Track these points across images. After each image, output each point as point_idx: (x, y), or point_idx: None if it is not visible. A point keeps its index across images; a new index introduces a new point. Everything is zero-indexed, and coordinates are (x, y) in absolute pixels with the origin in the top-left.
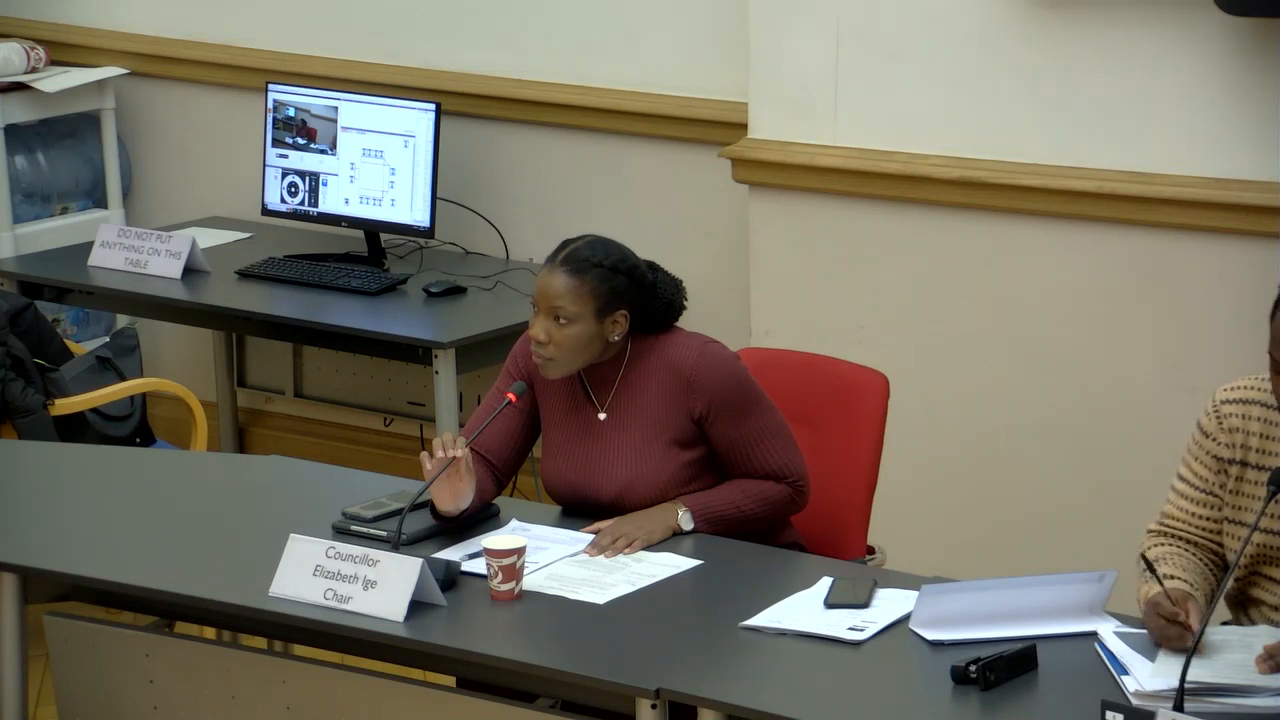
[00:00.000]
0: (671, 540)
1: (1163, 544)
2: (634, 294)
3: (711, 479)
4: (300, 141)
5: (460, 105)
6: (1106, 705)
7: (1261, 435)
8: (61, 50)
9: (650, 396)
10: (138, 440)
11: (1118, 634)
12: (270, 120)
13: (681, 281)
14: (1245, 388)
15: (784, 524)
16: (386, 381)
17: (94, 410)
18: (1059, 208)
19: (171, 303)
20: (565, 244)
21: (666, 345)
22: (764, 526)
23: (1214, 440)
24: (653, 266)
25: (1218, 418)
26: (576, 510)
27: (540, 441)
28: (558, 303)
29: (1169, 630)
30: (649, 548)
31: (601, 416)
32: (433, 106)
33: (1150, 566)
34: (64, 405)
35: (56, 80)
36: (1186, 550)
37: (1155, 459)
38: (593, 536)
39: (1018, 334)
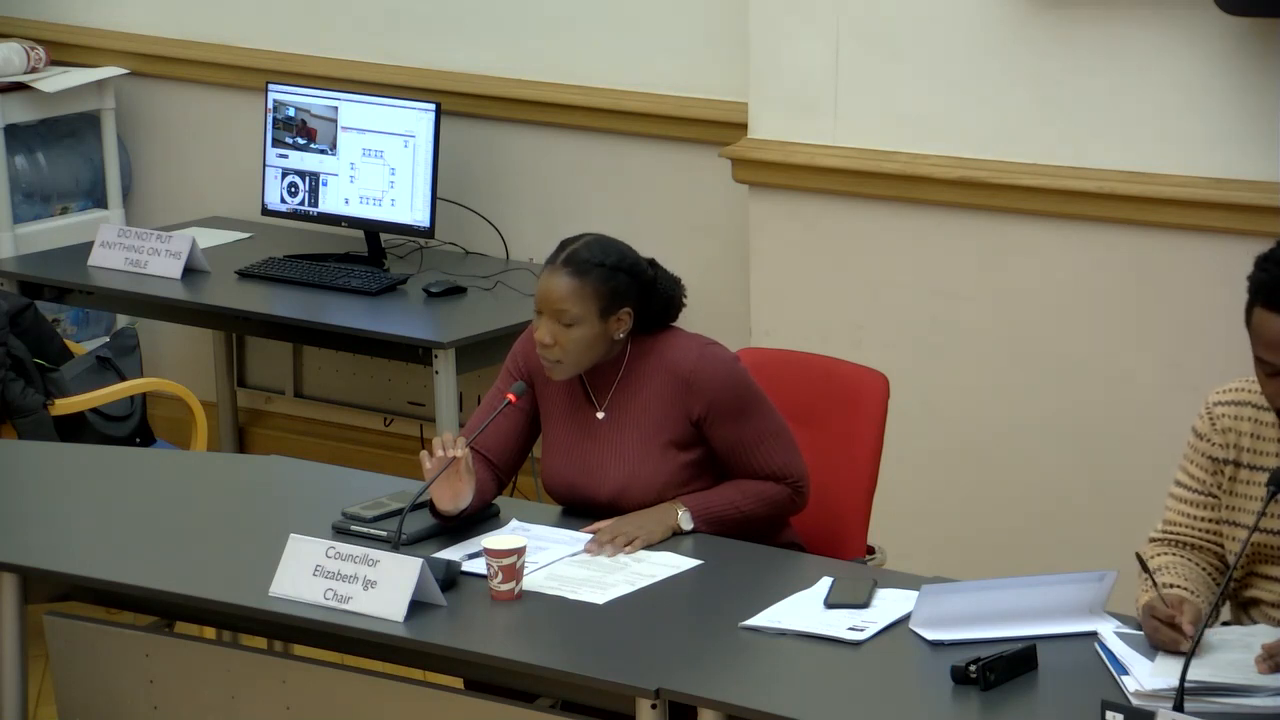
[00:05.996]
0: (671, 540)
1: (1164, 552)
2: (636, 292)
3: (710, 480)
4: (300, 141)
5: (460, 105)
6: (1106, 705)
7: (1253, 435)
8: (61, 50)
9: (649, 397)
10: (138, 440)
11: (1118, 634)
12: (270, 120)
13: (680, 279)
14: (1236, 389)
15: (783, 524)
16: (386, 381)
17: (94, 410)
18: (1059, 208)
19: (171, 303)
20: (565, 244)
21: (666, 346)
22: (764, 527)
23: (1208, 441)
24: (652, 263)
25: (1211, 419)
26: (576, 510)
27: (540, 441)
28: (561, 305)
29: (1163, 633)
30: (649, 547)
31: (600, 416)
32: (433, 106)
33: (1144, 565)
34: (64, 405)
35: (56, 80)
36: (1188, 558)
37: (1155, 459)
38: (591, 536)
39: (1018, 334)
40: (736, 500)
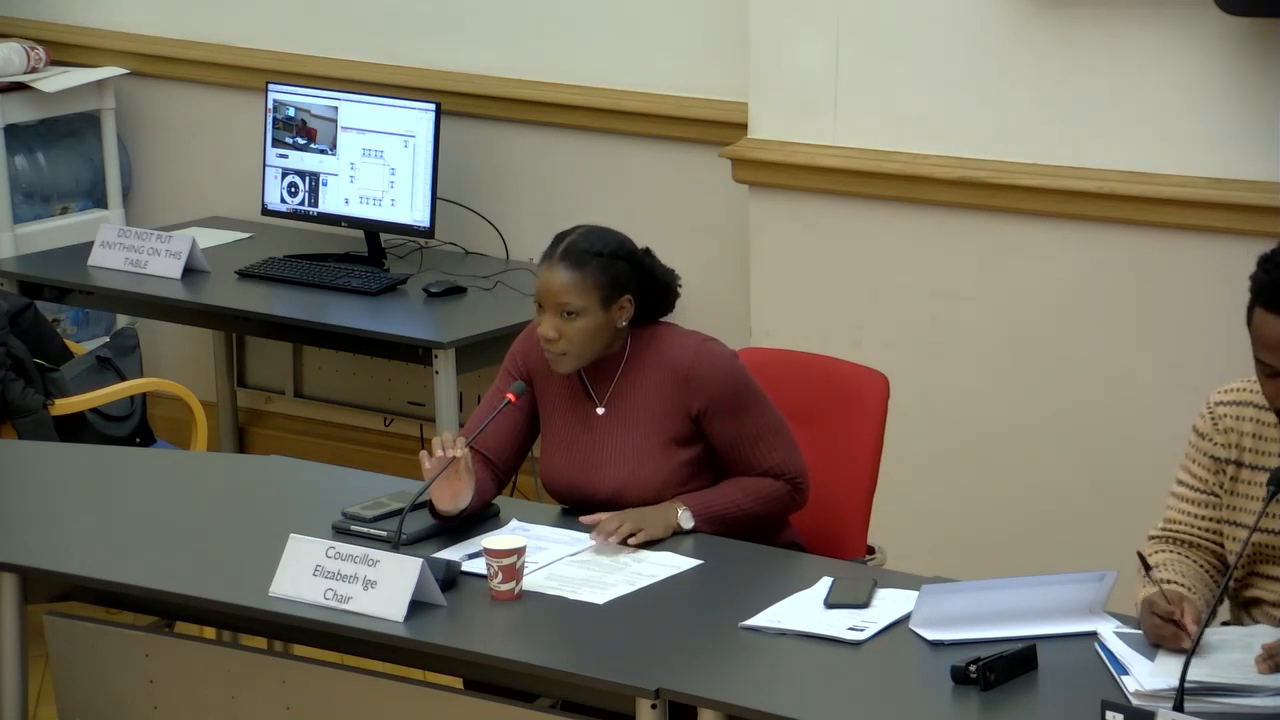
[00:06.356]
0: (671, 540)
1: (1163, 549)
2: (636, 279)
3: (709, 478)
4: (300, 141)
5: (460, 105)
6: (1106, 705)
7: (1255, 435)
8: (61, 50)
9: (648, 393)
10: (138, 440)
11: (1118, 634)
12: (270, 120)
13: (673, 269)
14: (1238, 389)
15: (782, 524)
16: (386, 381)
17: (94, 410)
18: (1059, 208)
19: (171, 303)
20: (560, 237)
21: (664, 342)
22: (764, 524)
23: (1210, 441)
24: (647, 251)
25: (1212, 419)
26: (575, 509)
27: (539, 439)
28: (563, 298)
29: (1164, 629)
30: (649, 547)
31: (600, 411)
32: (433, 106)
33: (1144, 562)
34: (64, 405)
35: (56, 80)
36: (1187, 556)
37: (1155, 459)
38: (591, 530)
39: (1018, 334)
40: (737, 498)
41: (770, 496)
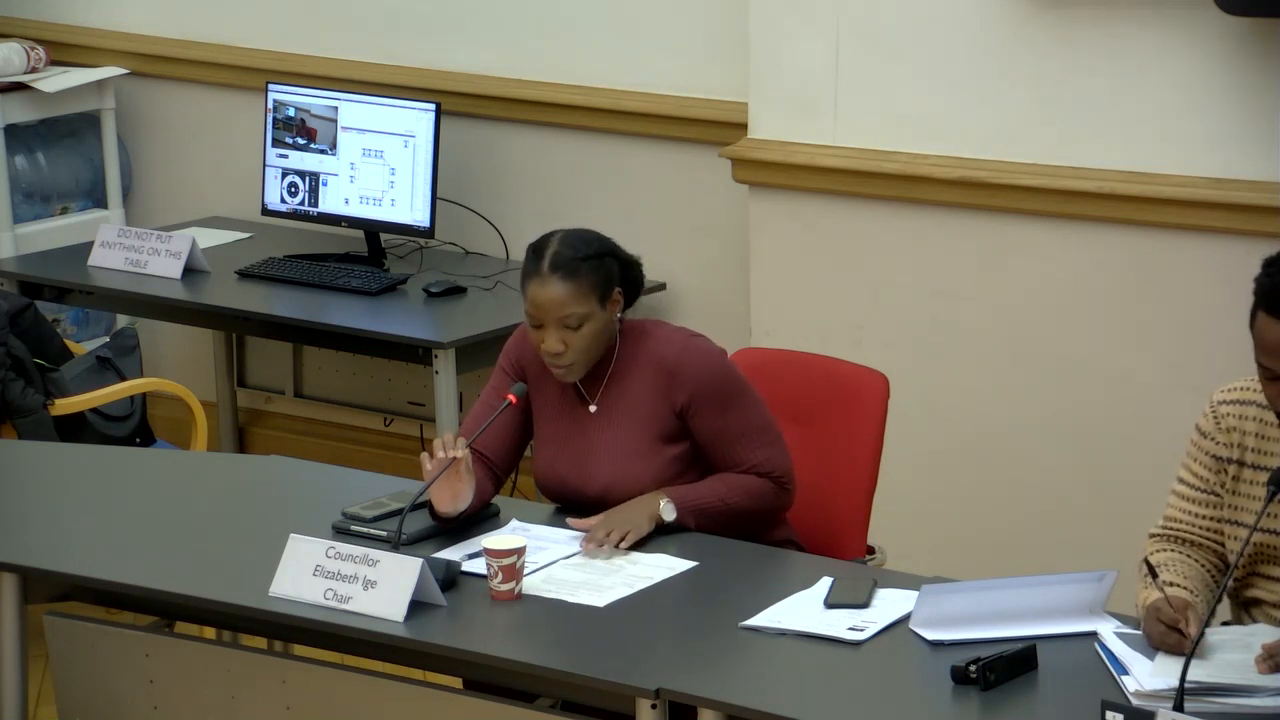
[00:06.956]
0: (669, 541)
1: (1165, 549)
2: (620, 271)
3: (697, 475)
4: (300, 141)
5: (460, 105)
6: (1106, 705)
7: (1257, 435)
8: (61, 50)
9: (637, 390)
10: (138, 440)
11: (1118, 634)
12: (270, 120)
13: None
14: (1241, 389)
15: (779, 521)
16: (386, 381)
17: (94, 410)
18: (1059, 208)
19: (171, 303)
20: (540, 249)
21: (653, 339)
22: (751, 521)
23: (1212, 440)
24: (612, 241)
25: (1215, 418)
26: (569, 507)
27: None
28: (565, 312)
29: (1169, 637)
30: (643, 546)
31: (592, 409)
32: (433, 106)
33: (1152, 570)
34: (64, 405)
35: (56, 80)
36: (1188, 555)
37: (1155, 459)
38: (583, 535)
39: (1018, 334)
40: (720, 492)
41: (755, 493)
